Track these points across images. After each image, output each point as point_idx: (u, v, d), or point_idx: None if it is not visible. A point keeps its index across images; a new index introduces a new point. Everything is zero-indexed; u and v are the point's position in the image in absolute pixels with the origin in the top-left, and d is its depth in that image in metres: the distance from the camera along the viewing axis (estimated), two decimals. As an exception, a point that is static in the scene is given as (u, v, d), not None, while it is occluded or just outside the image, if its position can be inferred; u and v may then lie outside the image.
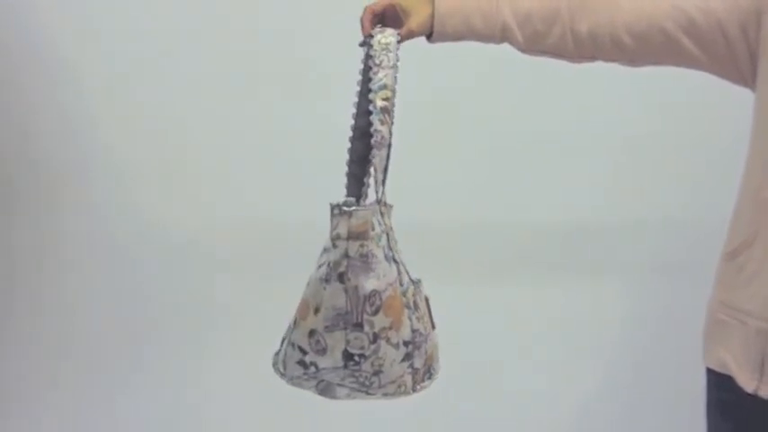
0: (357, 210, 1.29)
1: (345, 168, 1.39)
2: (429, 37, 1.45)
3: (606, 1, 1.43)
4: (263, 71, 2.16)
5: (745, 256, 1.36)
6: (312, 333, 1.32)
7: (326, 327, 1.32)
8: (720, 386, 1.42)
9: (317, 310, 1.32)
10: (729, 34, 1.38)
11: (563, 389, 2.31)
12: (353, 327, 1.31)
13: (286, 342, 1.36)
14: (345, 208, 1.29)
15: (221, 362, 2.26)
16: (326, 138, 2.02)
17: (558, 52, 1.46)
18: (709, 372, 1.45)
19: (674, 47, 1.41)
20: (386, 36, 1.38)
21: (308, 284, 1.33)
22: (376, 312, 1.32)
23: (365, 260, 1.30)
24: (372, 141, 1.34)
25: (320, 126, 2.12)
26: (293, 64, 2.15)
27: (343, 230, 1.29)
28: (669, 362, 2.27)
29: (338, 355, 1.33)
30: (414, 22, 1.41)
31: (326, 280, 1.30)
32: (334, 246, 1.29)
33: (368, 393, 1.38)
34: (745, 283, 1.37)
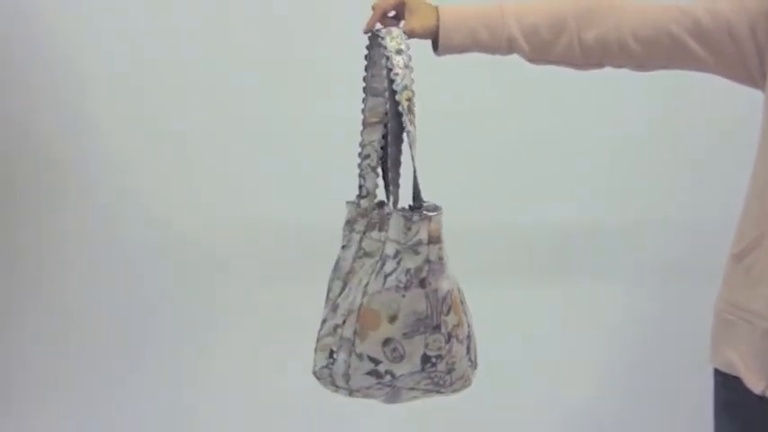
0: (437, 214, 1.31)
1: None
2: (435, 50, 1.44)
3: (612, 8, 1.42)
4: (264, 71, 2.15)
5: (753, 256, 1.36)
6: (388, 342, 1.31)
7: (405, 333, 1.31)
8: (728, 387, 1.42)
9: (393, 319, 1.31)
10: (737, 35, 1.38)
11: (563, 390, 2.30)
12: (432, 330, 1.32)
13: (345, 354, 1.33)
14: (427, 213, 1.30)
15: (221, 362, 2.25)
16: (327, 138, 2.03)
17: (565, 61, 1.44)
18: (717, 372, 1.45)
19: (681, 50, 1.41)
20: (394, 37, 1.37)
21: (369, 294, 1.31)
22: (449, 312, 1.34)
23: (441, 262, 1.32)
24: (408, 142, 1.34)
25: (321, 126, 2.12)
26: (294, 64, 2.14)
27: (424, 236, 1.29)
28: (670, 364, 2.27)
29: (417, 360, 1.33)
30: (417, 23, 1.39)
31: (406, 287, 1.30)
32: (416, 252, 1.29)
33: (438, 392, 1.38)
34: (752, 283, 1.36)
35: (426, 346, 1.32)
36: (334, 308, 1.38)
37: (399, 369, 1.33)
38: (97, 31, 2.14)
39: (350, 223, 1.41)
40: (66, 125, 2.17)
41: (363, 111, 1.42)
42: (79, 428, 2.25)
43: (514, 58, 1.46)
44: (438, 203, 1.34)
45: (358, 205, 1.42)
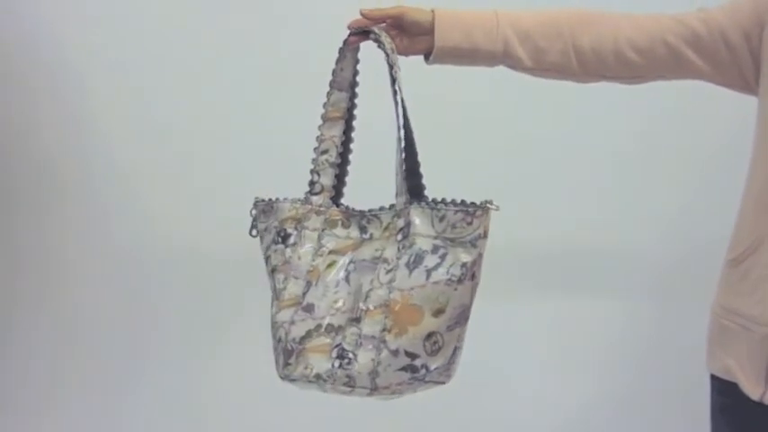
0: (496, 208, 1.31)
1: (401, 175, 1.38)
2: (427, 57, 1.43)
3: (606, 18, 1.43)
4: (265, 73, 2.13)
5: (750, 261, 1.34)
6: (430, 335, 1.30)
7: (449, 326, 1.31)
8: (725, 392, 1.41)
9: (438, 313, 1.30)
10: (732, 43, 1.38)
11: (560, 397, 2.30)
12: (465, 320, 1.33)
13: (372, 353, 1.30)
14: (489, 206, 1.31)
15: (226, 362, 2.25)
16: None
17: (562, 69, 1.44)
18: (714, 378, 1.44)
19: (678, 60, 1.41)
20: (385, 36, 1.38)
21: (404, 290, 1.30)
22: None
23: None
24: (412, 139, 1.36)
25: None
26: (296, 65, 2.13)
27: (482, 230, 1.30)
28: (667, 370, 2.25)
29: (449, 353, 1.32)
30: (409, 8, 1.40)
31: (460, 281, 1.30)
32: (474, 246, 1.30)
33: (436, 383, 1.35)
34: (750, 289, 1.34)
35: (458, 337, 1.32)
36: (308, 308, 1.36)
37: (434, 362, 1.31)
38: (97, 33, 2.12)
39: (295, 220, 1.41)
40: (67, 127, 2.17)
41: (326, 105, 1.42)
42: (81, 428, 2.26)
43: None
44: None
45: (307, 202, 1.42)
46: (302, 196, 1.44)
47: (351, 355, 1.32)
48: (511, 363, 2.25)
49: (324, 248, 1.39)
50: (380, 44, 1.37)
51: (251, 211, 1.46)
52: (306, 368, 1.34)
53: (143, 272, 2.22)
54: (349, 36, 1.40)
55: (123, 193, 2.19)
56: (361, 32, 1.40)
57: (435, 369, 1.32)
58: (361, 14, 1.39)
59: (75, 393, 2.25)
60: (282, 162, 2.15)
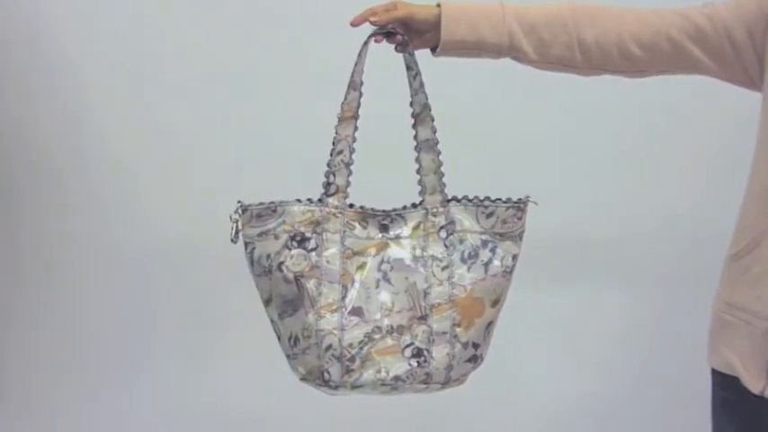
0: (535, 203, 1.41)
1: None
2: (433, 50, 1.44)
3: (611, 12, 1.43)
4: (268, 71, 2.14)
5: (752, 256, 1.35)
6: (489, 325, 1.39)
7: (497, 316, 1.41)
8: (726, 387, 1.42)
9: (495, 303, 1.40)
10: (736, 39, 1.38)
11: (562, 391, 2.30)
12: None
13: (447, 347, 1.35)
14: (531, 202, 1.41)
15: (225, 362, 2.25)
16: (329, 139, 2.03)
17: (566, 63, 1.44)
18: (715, 373, 1.45)
19: (682, 55, 1.42)
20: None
21: (465, 285, 1.37)
22: None
23: None
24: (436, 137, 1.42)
25: (325, 127, 2.11)
26: (299, 64, 2.13)
27: (525, 225, 1.41)
28: (669, 365, 2.27)
29: (491, 340, 1.41)
30: (415, 7, 1.40)
31: (511, 271, 1.40)
32: (521, 238, 1.41)
33: None
34: (751, 284, 1.36)
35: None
36: (357, 311, 1.35)
37: (485, 349, 1.40)
38: (97, 34, 2.12)
39: (312, 223, 1.37)
40: (68, 128, 2.16)
41: (343, 104, 1.40)
42: (81, 428, 2.26)
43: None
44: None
45: (323, 203, 1.38)
46: (309, 198, 1.40)
47: (426, 353, 1.35)
48: (512, 356, 2.25)
49: (349, 250, 1.37)
50: (406, 46, 1.39)
51: (231, 216, 1.38)
52: (379, 372, 1.34)
53: (143, 271, 2.22)
54: (373, 35, 1.39)
55: (123, 192, 2.19)
56: (385, 32, 1.39)
57: (484, 356, 1.40)
58: (371, 22, 1.38)
59: (76, 393, 2.25)
60: (283, 161, 2.16)
